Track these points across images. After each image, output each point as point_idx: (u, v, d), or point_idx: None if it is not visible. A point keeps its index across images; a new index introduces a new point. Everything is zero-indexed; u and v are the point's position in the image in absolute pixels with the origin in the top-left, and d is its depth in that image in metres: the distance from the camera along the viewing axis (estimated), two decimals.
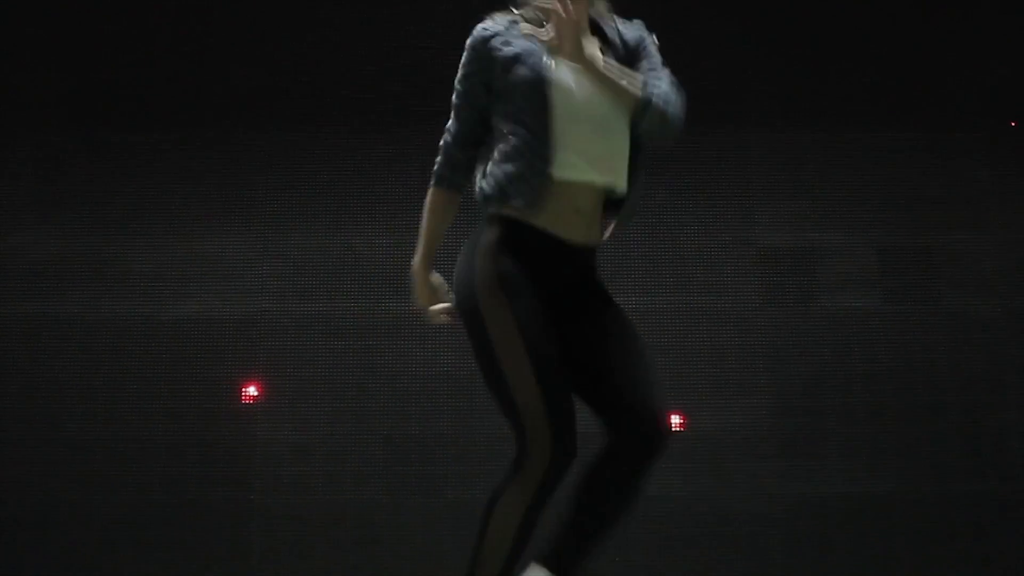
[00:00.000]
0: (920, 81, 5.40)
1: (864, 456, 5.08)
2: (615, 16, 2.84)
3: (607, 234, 2.80)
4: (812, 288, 5.26)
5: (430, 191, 2.78)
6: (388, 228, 5.17)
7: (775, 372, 5.16)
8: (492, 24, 2.74)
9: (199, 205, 5.29)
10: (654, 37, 2.84)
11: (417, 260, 2.81)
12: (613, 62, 2.67)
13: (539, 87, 2.59)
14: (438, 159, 2.78)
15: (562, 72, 2.62)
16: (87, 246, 5.23)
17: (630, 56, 2.74)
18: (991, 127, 5.39)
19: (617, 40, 2.77)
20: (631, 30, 2.82)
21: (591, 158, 2.62)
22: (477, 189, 2.69)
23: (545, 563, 2.62)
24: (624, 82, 2.62)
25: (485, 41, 2.69)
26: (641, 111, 2.64)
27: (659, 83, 2.69)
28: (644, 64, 2.74)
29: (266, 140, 5.32)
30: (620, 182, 2.69)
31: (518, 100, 2.61)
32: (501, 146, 2.63)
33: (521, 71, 2.61)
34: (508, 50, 2.65)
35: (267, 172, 5.30)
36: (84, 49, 5.39)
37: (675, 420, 5.08)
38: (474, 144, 2.74)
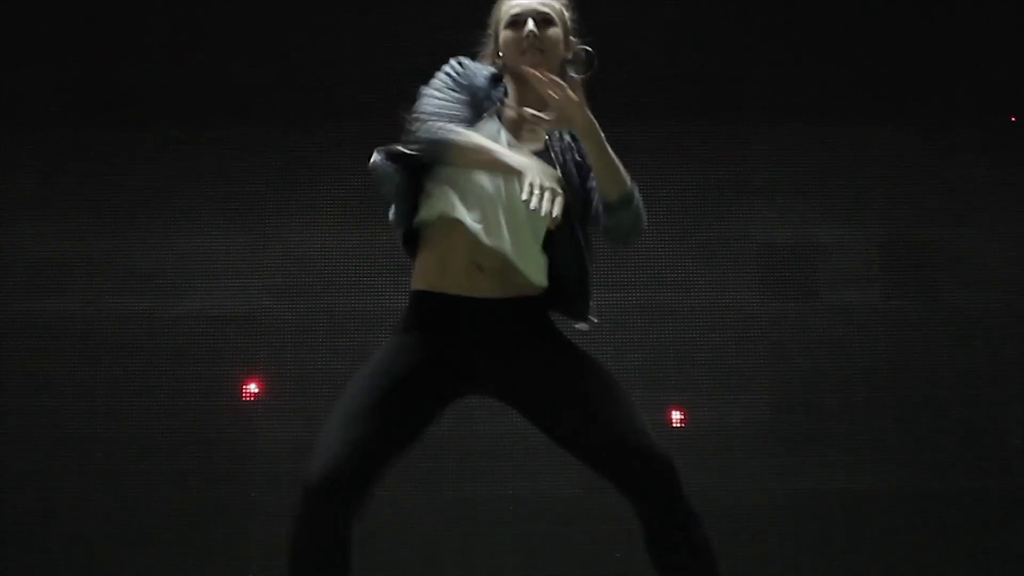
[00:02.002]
0: (920, 76, 5.39)
1: (864, 452, 5.08)
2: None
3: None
4: (812, 284, 5.26)
5: (454, 144, 2.56)
6: (387, 225, 5.16)
7: (775, 368, 5.16)
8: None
9: (200, 202, 5.29)
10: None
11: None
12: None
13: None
14: (421, 127, 2.64)
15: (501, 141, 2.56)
16: (87, 243, 5.23)
17: (575, 153, 2.71)
18: (991, 122, 5.39)
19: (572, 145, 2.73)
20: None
21: (485, 218, 2.53)
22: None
23: None
24: (620, 165, 2.60)
25: (464, 67, 2.69)
26: (623, 203, 2.63)
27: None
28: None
29: (267, 138, 5.31)
30: (522, 262, 2.56)
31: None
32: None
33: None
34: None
35: (268, 169, 5.30)
36: (84, 46, 5.39)
37: (676, 416, 5.09)
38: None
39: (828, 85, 5.39)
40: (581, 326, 2.70)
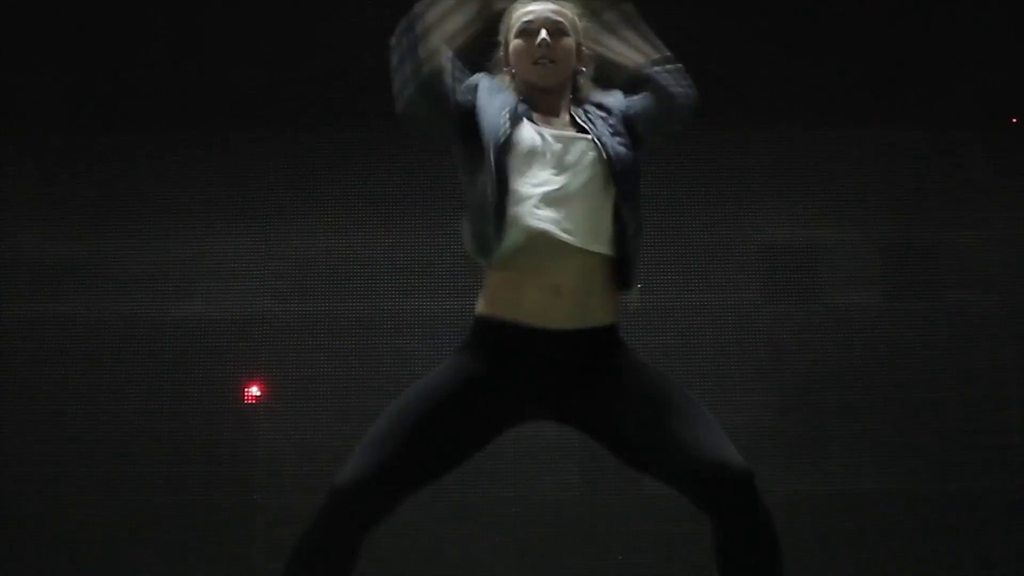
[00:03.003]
0: (921, 78, 5.40)
1: (865, 453, 5.09)
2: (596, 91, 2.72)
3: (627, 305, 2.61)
4: (813, 285, 5.27)
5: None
6: (390, 227, 5.18)
7: (776, 369, 5.16)
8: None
9: (201, 205, 5.29)
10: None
11: None
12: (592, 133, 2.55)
13: (502, 142, 2.45)
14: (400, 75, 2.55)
15: (527, 133, 2.49)
16: (89, 247, 5.24)
17: (617, 119, 2.63)
18: (992, 123, 5.39)
19: (598, 112, 2.64)
20: (611, 98, 2.70)
21: (556, 218, 2.42)
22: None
23: None
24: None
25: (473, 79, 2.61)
26: (668, 59, 2.66)
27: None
28: (641, 115, 2.66)
29: (268, 140, 5.32)
30: (597, 245, 2.48)
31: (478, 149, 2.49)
32: (468, 197, 2.51)
33: (490, 118, 2.49)
34: (486, 93, 2.55)
35: (268, 172, 5.31)
36: (84, 50, 5.39)
37: None
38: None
39: (830, 87, 5.39)
40: (631, 294, 2.62)
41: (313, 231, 5.25)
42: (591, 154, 2.50)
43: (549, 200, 2.42)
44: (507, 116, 2.48)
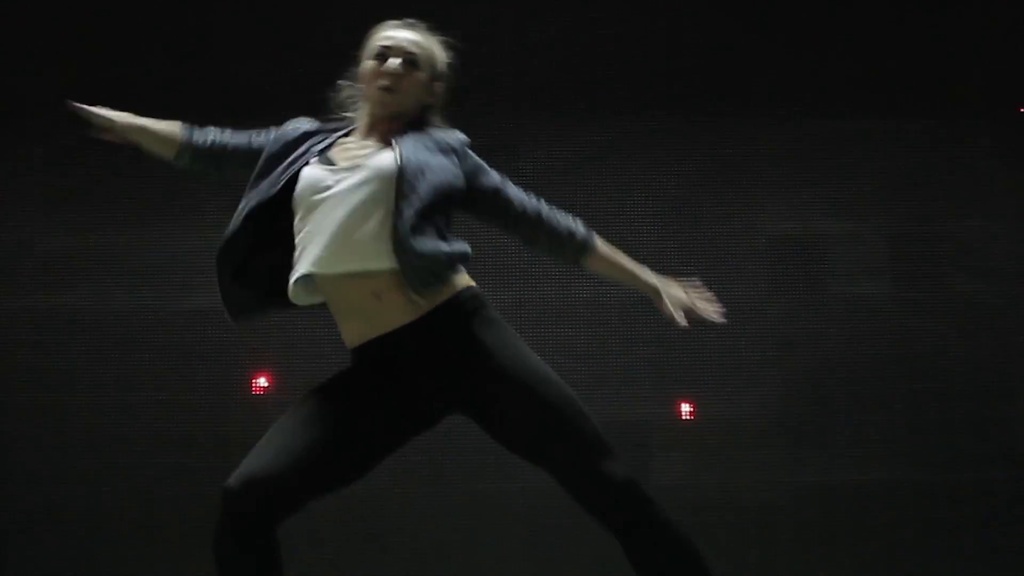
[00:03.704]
0: (929, 68, 5.38)
1: (873, 444, 5.08)
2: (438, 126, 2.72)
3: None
4: (821, 276, 5.26)
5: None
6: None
7: (784, 360, 5.16)
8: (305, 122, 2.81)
9: (208, 197, 5.29)
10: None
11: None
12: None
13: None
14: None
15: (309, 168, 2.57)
16: (96, 240, 5.24)
17: (429, 150, 2.59)
18: (999, 113, 5.38)
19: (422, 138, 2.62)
20: (448, 136, 2.67)
21: (331, 251, 2.48)
22: None
23: None
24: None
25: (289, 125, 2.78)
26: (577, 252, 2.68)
27: (574, 224, 2.70)
28: (483, 180, 2.63)
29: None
30: (371, 263, 2.47)
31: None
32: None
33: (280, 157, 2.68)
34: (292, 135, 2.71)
35: None
36: (92, 45, 5.39)
37: (685, 409, 5.09)
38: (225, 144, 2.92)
39: (836, 78, 5.38)
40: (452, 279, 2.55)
41: None
42: (381, 166, 2.51)
43: (308, 238, 2.51)
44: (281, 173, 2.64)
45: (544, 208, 2.67)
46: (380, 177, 2.48)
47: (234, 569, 2.39)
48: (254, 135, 2.77)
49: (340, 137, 2.68)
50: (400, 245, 2.41)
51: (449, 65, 2.76)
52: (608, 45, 5.40)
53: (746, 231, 5.28)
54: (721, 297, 5.22)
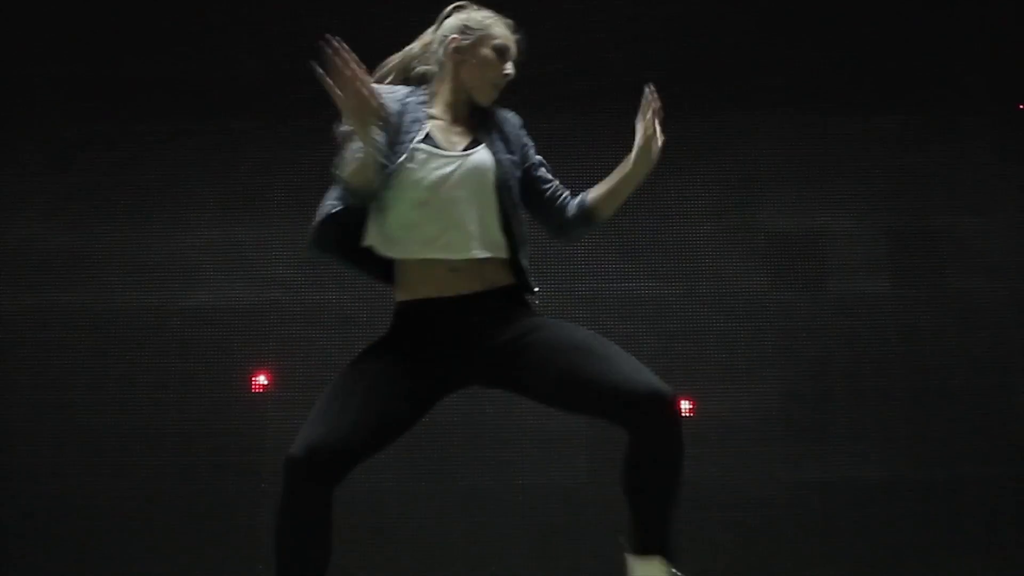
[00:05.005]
0: (928, 65, 5.39)
1: (872, 441, 5.08)
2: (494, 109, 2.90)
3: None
4: (820, 273, 5.26)
5: (328, 214, 2.83)
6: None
7: (783, 357, 5.16)
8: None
9: (209, 195, 5.30)
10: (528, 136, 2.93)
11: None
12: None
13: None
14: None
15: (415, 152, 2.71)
16: (97, 237, 5.25)
17: (506, 145, 2.82)
18: (1000, 110, 5.38)
19: (495, 129, 2.84)
20: (511, 121, 2.91)
21: (425, 238, 2.68)
22: None
23: (638, 552, 2.64)
24: None
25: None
26: (603, 221, 2.87)
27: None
28: (541, 172, 2.89)
29: (275, 130, 5.33)
30: (466, 251, 2.69)
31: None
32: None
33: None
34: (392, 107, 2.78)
35: (276, 162, 5.31)
36: (92, 40, 5.40)
37: (685, 405, 5.10)
38: None
39: (836, 74, 5.39)
40: (532, 295, 2.81)
41: None
42: (481, 166, 2.73)
43: (427, 215, 2.68)
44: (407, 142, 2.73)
45: (563, 191, 2.91)
46: (483, 176, 2.71)
47: (299, 533, 2.64)
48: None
49: (427, 109, 2.82)
50: (511, 241, 2.72)
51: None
52: (607, 43, 5.40)
53: (745, 227, 5.28)
54: (721, 293, 5.27)
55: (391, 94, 2.83)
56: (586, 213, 2.84)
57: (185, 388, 5.10)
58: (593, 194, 2.87)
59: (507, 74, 2.82)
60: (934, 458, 5.05)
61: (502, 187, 2.73)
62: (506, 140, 2.82)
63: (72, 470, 5.03)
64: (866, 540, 4.97)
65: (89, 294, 5.20)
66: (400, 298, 2.77)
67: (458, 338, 2.68)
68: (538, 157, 2.91)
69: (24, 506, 5.01)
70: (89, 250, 5.24)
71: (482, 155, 2.74)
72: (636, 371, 2.52)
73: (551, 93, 5.14)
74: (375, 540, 4.89)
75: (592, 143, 5.17)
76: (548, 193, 2.88)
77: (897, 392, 5.12)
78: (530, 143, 2.91)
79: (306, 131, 5.34)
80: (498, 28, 2.86)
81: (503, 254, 2.73)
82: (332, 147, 5.37)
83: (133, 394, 5.10)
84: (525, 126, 2.92)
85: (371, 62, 5.45)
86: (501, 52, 2.82)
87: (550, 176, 2.92)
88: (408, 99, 2.84)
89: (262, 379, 5.13)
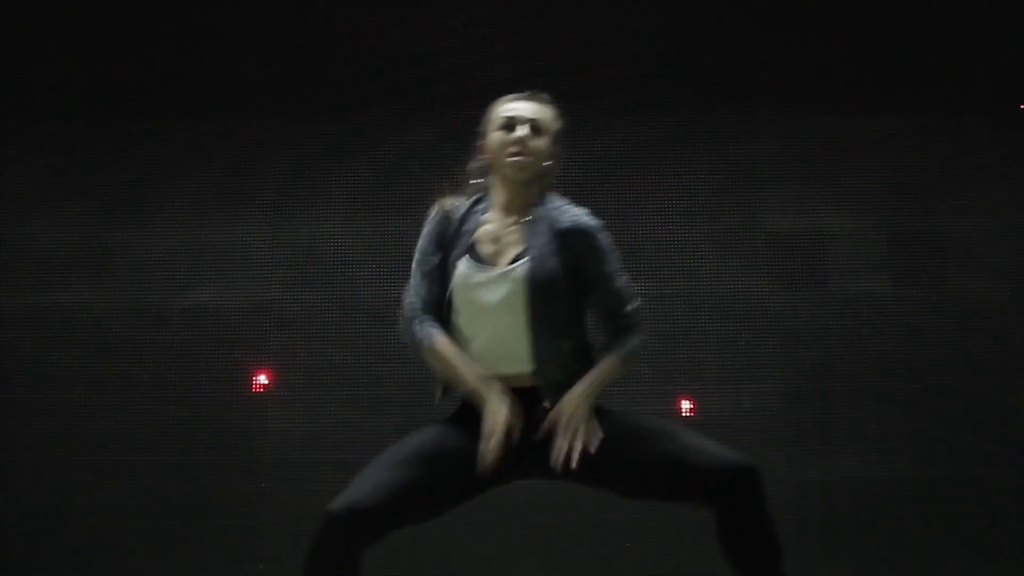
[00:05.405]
0: (930, 65, 5.38)
1: (874, 441, 5.08)
2: (555, 200, 2.85)
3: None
4: (821, 273, 5.26)
5: (428, 349, 2.80)
6: (397, 215, 5.17)
7: (784, 357, 5.16)
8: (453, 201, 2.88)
9: (209, 194, 5.30)
10: (600, 237, 2.81)
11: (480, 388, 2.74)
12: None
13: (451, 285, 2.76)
14: (404, 324, 2.87)
15: (464, 270, 2.75)
16: (96, 236, 5.25)
17: (561, 241, 2.76)
18: (1000, 110, 5.37)
19: (545, 224, 2.79)
20: (575, 221, 2.80)
21: (474, 350, 2.74)
22: None
23: None
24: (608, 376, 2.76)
25: (446, 212, 2.86)
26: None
27: (628, 338, 2.80)
28: (591, 269, 2.78)
29: (275, 129, 5.32)
30: (521, 367, 2.72)
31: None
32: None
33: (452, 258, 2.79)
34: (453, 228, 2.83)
35: (276, 160, 5.31)
36: (92, 39, 5.40)
37: (685, 405, 5.09)
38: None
39: (837, 74, 5.38)
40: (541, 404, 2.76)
41: (321, 220, 5.25)
42: (515, 280, 2.73)
43: (473, 329, 2.75)
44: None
45: (625, 323, 2.83)
46: (516, 292, 2.72)
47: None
48: (431, 270, 2.85)
49: (480, 215, 2.85)
50: (537, 357, 2.72)
51: (561, 128, 2.90)
52: (609, 44, 5.40)
53: (746, 227, 5.27)
54: (722, 293, 5.26)
55: (457, 208, 2.87)
56: (624, 361, 2.82)
57: (185, 388, 5.10)
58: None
59: (516, 139, 2.77)
60: (934, 458, 5.05)
61: (537, 298, 2.71)
62: (556, 239, 2.77)
63: (72, 470, 5.03)
64: (867, 540, 4.97)
65: (89, 293, 5.19)
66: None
67: (530, 428, 2.68)
68: (601, 269, 2.80)
69: (24, 506, 5.00)
70: (89, 249, 5.23)
71: (520, 269, 2.73)
72: (715, 449, 2.60)
73: (552, 89, 5.14)
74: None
75: (593, 139, 5.18)
76: (599, 312, 2.83)
77: (898, 392, 5.12)
78: (597, 249, 2.80)
79: (307, 130, 5.34)
80: (499, 106, 2.86)
81: (528, 368, 2.72)
82: (333, 146, 5.35)
83: (133, 394, 5.09)
84: (597, 229, 2.81)
85: (376, 57, 5.46)
86: (505, 125, 2.80)
87: (606, 294, 2.82)
88: (471, 208, 2.86)
89: (262, 379, 5.12)
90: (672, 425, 2.69)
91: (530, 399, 2.71)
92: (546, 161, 2.83)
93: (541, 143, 2.80)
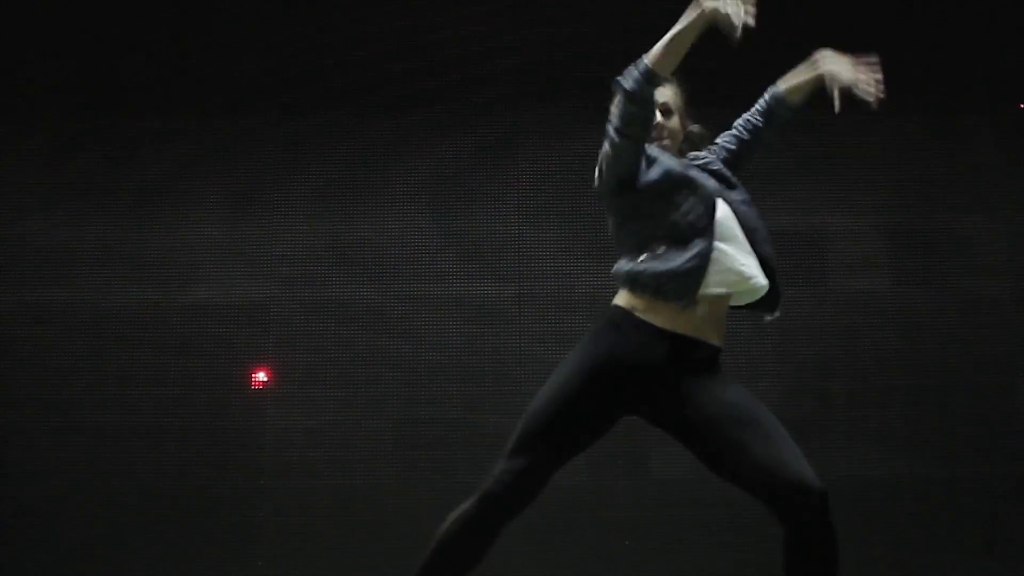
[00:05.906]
0: (930, 64, 5.38)
1: (873, 438, 5.09)
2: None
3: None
4: (821, 271, 5.26)
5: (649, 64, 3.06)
6: (397, 214, 5.18)
7: (784, 355, 5.16)
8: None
9: (208, 192, 5.30)
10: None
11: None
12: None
13: (708, 204, 2.99)
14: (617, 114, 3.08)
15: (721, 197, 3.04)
16: (96, 233, 5.25)
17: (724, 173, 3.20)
18: (999, 110, 5.38)
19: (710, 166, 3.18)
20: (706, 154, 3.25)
21: (735, 276, 2.88)
22: (626, 271, 2.88)
23: None
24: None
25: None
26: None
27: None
28: (729, 145, 3.44)
29: (274, 128, 5.32)
30: (755, 283, 2.90)
31: (683, 206, 2.96)
32: (663, 242, 2.91)
33: (687, 181, 3.01)
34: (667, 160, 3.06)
35: (276, 159, 5.31)
36: (93, 37, 5.40)
37: None
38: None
39: None
40: (771, 316, 3.00)
41: (320, 217, 5.25)
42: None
43: (732, 257, 2.96)
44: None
45: (753, 115, 3.43)
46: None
47: (468, 548, 2.85)
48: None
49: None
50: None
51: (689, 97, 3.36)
52: (608, 42, 5.39)
53: None
54: None
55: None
56: (780, 105, 3.40)
57: (185, 385, 5.10)
58: (785, 89, 3.40)
59: (659, 124, 3.19)
60: (934, 457, 5.05)
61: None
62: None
63: (71, 467, 5.03)
64: (866, 539, 4.97)
65: (88, 290, 5.19)
66: (644, 317, 2.82)
67: (663, 376, 2.77)
68: (719, 142, 3.37)
69: (23, 503, 5.00)
70: (88, 247, 5.23)
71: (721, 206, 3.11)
72: (793, 459, 2.71)
73: (552, 83, 5.15)
74: (373, 537, 4.89)
75: (593, 135, 5.18)
76: (739, 136, 3.42)
77: (897, 391, 5.12)
78: (721, 146, 3.38)
79: (305, 130, 5.34)
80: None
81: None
82: (329, 146, 5.35)
83: (132, 391, 5.09)
84: (712, 141, 3.39)
85: (377, 55, 5.46)
86: (662, 112, 3.20)
87: (729, 136, 3.40)
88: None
89: (262, 376, 5.13)
90: (768, 420, 2.78)
91: (690, 347, 2.77)
92: (680, 134, 3.34)
93: (672, 124, 3.31)
